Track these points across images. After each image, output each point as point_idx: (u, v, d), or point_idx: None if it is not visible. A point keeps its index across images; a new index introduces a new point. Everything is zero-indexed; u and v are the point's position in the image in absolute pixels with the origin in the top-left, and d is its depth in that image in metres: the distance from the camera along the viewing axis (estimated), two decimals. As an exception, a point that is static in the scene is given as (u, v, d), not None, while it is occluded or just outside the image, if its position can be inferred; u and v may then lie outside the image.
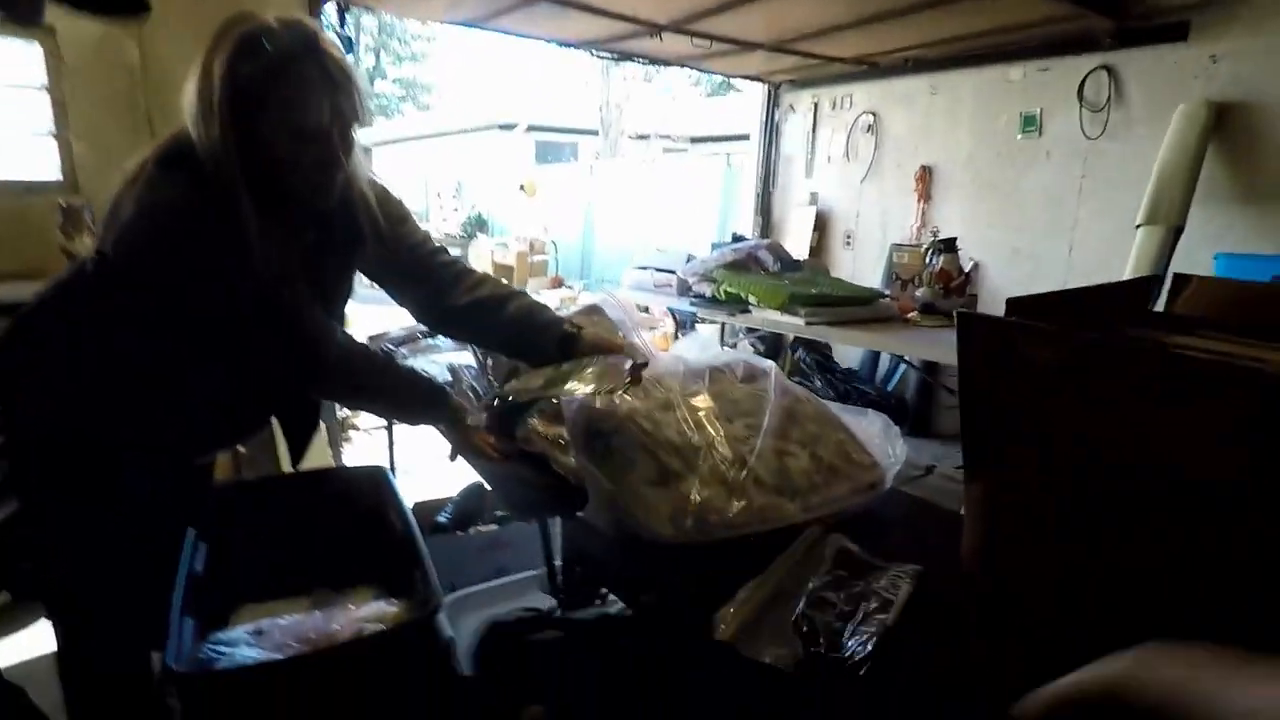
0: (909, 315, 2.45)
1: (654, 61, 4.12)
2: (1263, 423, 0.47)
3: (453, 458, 1.30)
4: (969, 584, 0.75)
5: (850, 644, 0.66)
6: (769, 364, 1.15)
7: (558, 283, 8.06)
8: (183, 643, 1.19)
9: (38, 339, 1.05)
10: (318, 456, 2.74)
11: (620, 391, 0.99)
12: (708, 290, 2.69)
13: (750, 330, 4.16)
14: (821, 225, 4.59)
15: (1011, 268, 3.59)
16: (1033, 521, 0.66)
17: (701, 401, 1.04)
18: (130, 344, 1.03)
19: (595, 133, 11.62)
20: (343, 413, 3.59)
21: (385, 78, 20.50)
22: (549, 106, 13.62)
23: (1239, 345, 0.67)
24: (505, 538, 1.97)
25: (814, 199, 4.62)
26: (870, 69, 4.10)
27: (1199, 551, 0.56)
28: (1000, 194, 3.66)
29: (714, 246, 3.30)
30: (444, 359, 1.72)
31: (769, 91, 4.75)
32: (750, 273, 2.72)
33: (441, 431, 1.30)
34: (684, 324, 3.68)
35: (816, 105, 4.54)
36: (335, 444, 3.13)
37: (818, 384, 3.87)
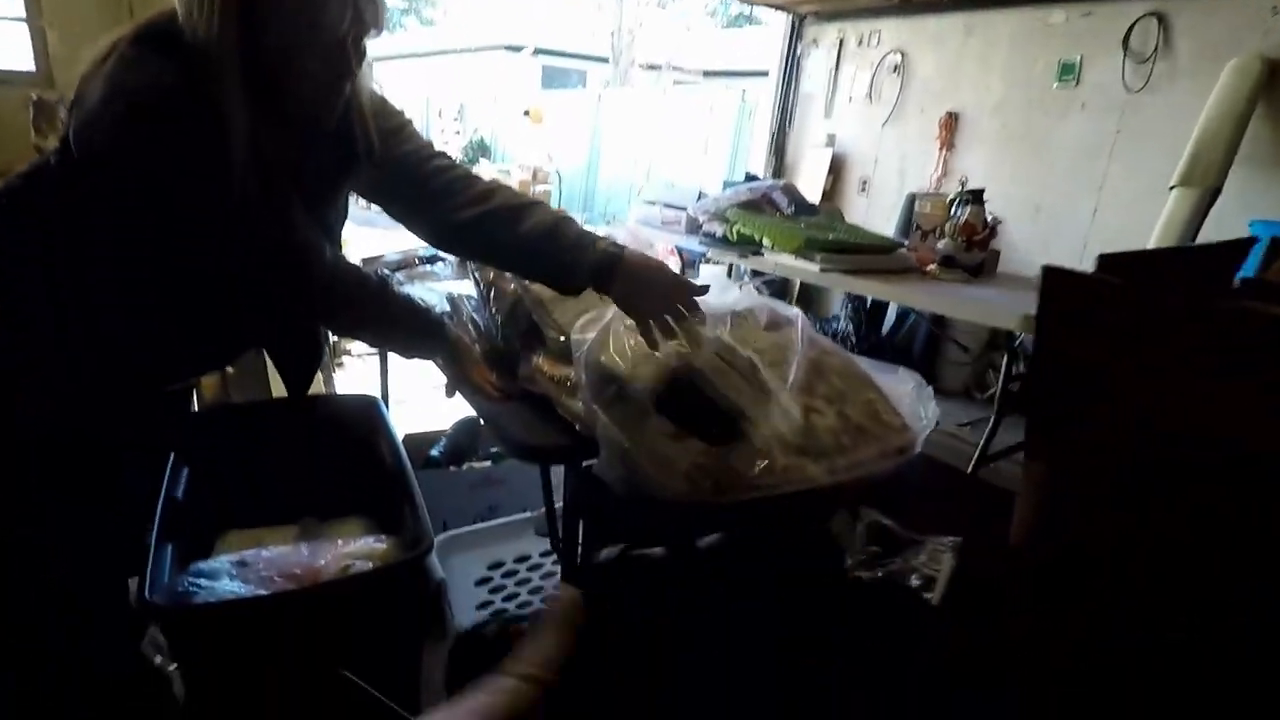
0: (928, 268, 2.35)
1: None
2: None
3: (450, 393, 1.22)
4: (1016, 558, 0.69)
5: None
6: (794, 311, 1.07)
7: (560, 215, 7.86)
8: (161, 572, 1.14)
9: None
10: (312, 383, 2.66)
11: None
12: (718, 230, 2.57)
13: (756, 274, 4.05)
14: (837, 169, 4.41)
15: (1031, 225, 3.46)
16: (1101, 492, 0.59)
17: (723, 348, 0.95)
18: (98, 247, 0.93)
19: (605, 60, 11.16)
20: (334, 338, 3.51)
21: (388, -12, 19.57)
22: (558, 29, 13.03)
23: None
24: (499, 475, 1.92)
25: (831, 141, 4.43)
26: (902, 4, 3.87)
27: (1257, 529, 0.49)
28: (1028, 146, 3.50)
29: (726, 185, 3.16)
30: (443, 287, 1.63)
31: (792, 23, 4.50)
32: (764, 214, 2.60)
33: (439, 365, 1.23)
34: (692, 263, 3.56)
35: (842, 41, 4.30)
36: (327, 370, 3.06)
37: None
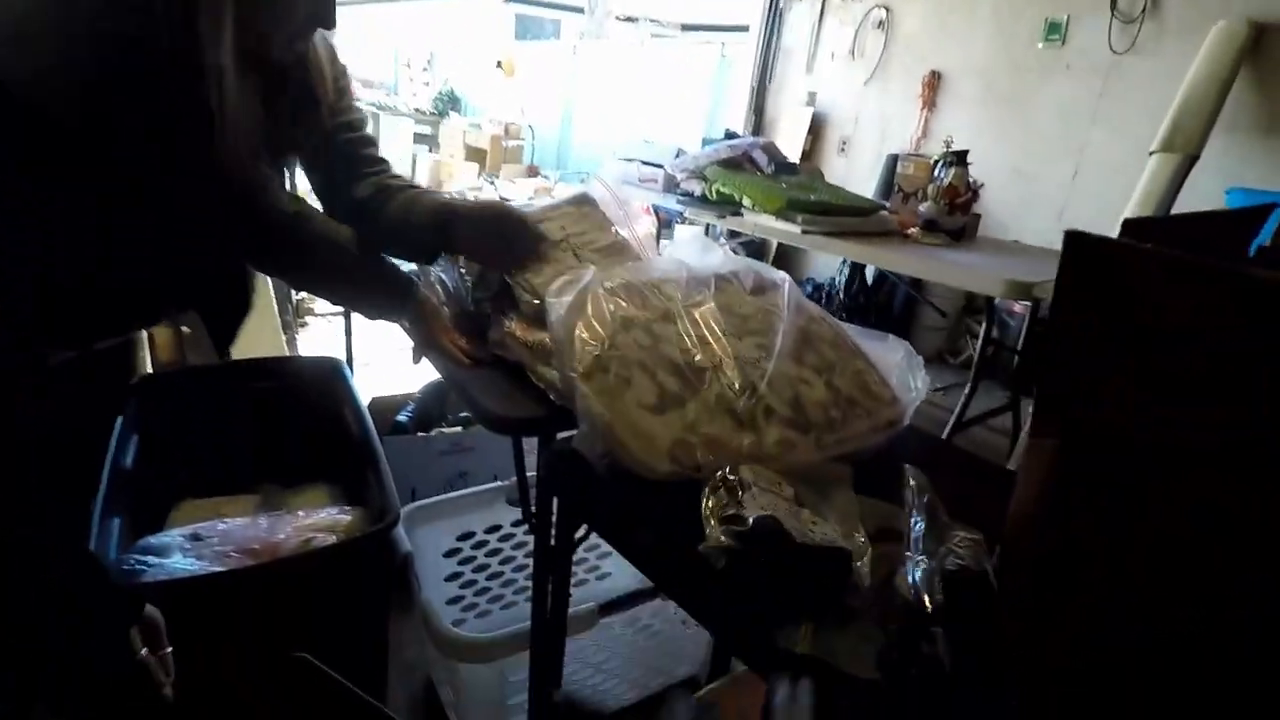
0: (909, 231, 2.31)
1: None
2: None
3: (416, 359, 1.15)
4: (1015, 547, 0.65)
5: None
6: (781, 275, 1.01)
7: (533, 172, 7.66)
8: (107, 548, 1.07)
9: None
10: (268, 343, 2.56)
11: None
12: (697, 188, 2.50)
13: (734, 235, 3.98)
14: (817, 128, 4.33)
15: (1009, 188, 3.43)
16: (1108, 476, 0.56)
17: (707, 314, 0.90)
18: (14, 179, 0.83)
19: (580, 10, 10.78)
20: (297, 295, 3.37)
21: (350, -73, 18.60)
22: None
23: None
24: (469, 441, 1.86)
25: (811, 99, 4.33)
26: (889, -45, 3.76)
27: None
28: (1010, 107, 3.45)
29: (705, 142, 3.07)
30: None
31: (775, -27, 4.36)
32: (744, 173, 2.52)
33: (405, 328, 1.15)
34: (669, 222, 3.48)
35: (826, -7, 4.17)
36: (289, 330, 2.95)
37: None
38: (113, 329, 1.03)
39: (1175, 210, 2.69)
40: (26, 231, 0.72)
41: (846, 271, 3.96)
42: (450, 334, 1.09)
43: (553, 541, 0.83)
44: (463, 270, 1.11)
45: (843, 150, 4.23)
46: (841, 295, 3.88)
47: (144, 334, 2.06)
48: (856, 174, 4.07)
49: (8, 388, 0.69)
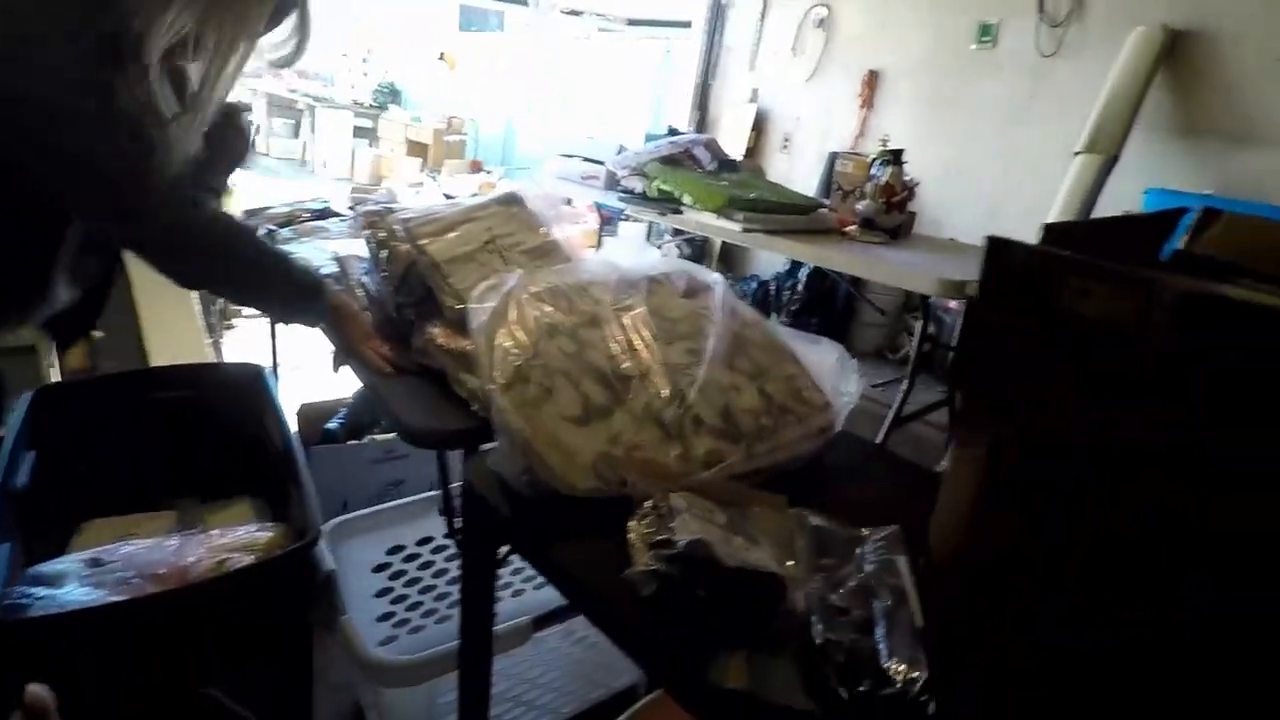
0: (848, 229, 2.33)
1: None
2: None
3: (336, 366, 1.09)
4: (940, 558, 0.65)
5: (900, 671, 0.53)
6: (715, 276, 0.99)
7: (476, 167, 7.50)
8: (-11, 578, 0.98)
9: None
10: (190, 348, 2.42)
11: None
12: (638, 185, 2.47)
13: (678, 233, 3.97)
14: (760, 125, 4.35)
15: (944, 187, 3.51)
16: (1041, 483, 0.55)
17: (637, 318, 0.87)
18: None
19: (525, 3, 10.61)
20: (220, 300, 3.21)
21: (283, -89, 17.84)
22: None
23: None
24: (403, 448, 1.79)
25: (755, 96, 4.36)
26: (828, -46, 3.79)
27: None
28: (945, 107, 3.53)
29: (648, 139, 3.04)
30: (334, 245, 1.48)
31: (718, -31, 4.36)
32: (685, 169, 2.50)
33: (325, 332, 1.09)
34: (611, 220, 3.45)
35: (768, -10, 4.20)
36: (214, 333, 2.80)
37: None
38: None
39: (1097, 209, 2.79)
40: None
41: (790, 268, 4.00)
42: (372, 340, 1.04)
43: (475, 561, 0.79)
44: (384, 274, 1.06)
45: (785, 147, 4.27)
46: (787, 292, 3.91)
47: (49, 343, 1.92)
48: (799, 171, 4.11)
49: None
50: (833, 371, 0.93)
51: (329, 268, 1.20)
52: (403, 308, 1.02)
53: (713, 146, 2.86)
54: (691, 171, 2.50)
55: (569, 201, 4.43)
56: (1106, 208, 2.80)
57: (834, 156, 3.25)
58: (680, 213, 2.30)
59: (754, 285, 4.25)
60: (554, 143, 3.82)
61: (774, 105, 4.29)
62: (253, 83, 10.29)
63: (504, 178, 7.05)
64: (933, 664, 0.53)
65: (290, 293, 0.99)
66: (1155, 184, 2.76)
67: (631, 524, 0.65)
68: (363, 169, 8.02)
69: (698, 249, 4.43)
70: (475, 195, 1.24)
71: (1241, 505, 0.43)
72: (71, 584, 1.05)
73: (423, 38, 10.18)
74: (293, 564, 1.10)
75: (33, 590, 0.97)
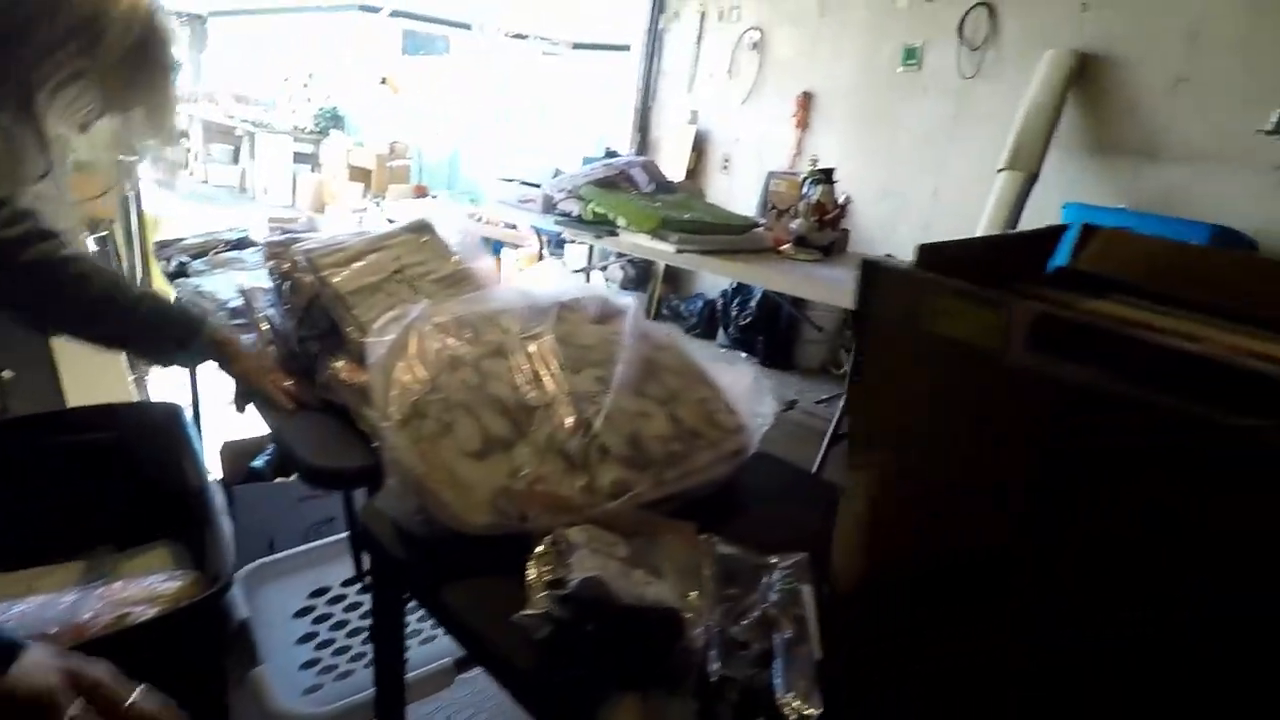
0: (783, 247, 2.36)
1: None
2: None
3: (240, 406, 1.05)
4: (839, 581, 0.64)
5: (794, 708, 0.52)
6: (627, 300, 0.98)
7: (421, 192, 7.42)
8: None
9: None
10: (110, 387, 2.31)
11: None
12: (574, 209, 2.47)
13: (622, 254, 3.98)
14: (700, 147, 4.41)
15: (879, 204, 3.61)
16: (921, 522, 0.55)
17: (544, 347, 0.85)
18: None
19: (469, 26, 10.62)
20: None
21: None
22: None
23: (1157, 314, 0.57)
24: (332, 484, 1.73)
25: (694, 118, 4.42)
26: (760, -20, 3.89)
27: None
28: (876, 127, 3.63)
29: (585, 161, 3.05)
30: (246, 277, 1.42)
31: (654, -6, 4.43)
32: (621, 192, 2.51)
33: (224, 370, 1.05)
34: (553, 243, 3.44)
35: (703, 14, 4.28)
36: (137, 370, 2.68)
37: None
38: None
39: (1022, 224, 2.90)
40: None
41: (737, 287, 4.05)
42: (274, 374, 1.00)
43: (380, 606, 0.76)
44: (288, 306, 1.02)
45: (725, 168, 4.33)
46: (735, 310, 3.95)
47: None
48: (739, 192, 4.18)
49: None
50: (748, 393, 0.93)
51: (235, 300, 1.16)
52: (305, 341, 0.98)
53: (650, 168, 2.89)
54: (626, 194, 2.51)
55: (514, 226, 4.41)
56: (1031, 221, 2.91)
57: (771, 177, 3.32)
58: (616, 234, 2.30)
59: (699, 305, 4.28)
60: (500, 167, 3.81)
61: (713, 127, 4.36)
62: (189, 108, 10.03)
63: (450, 201, 6.99)
64: (830, 698, 0.53)
65: (156, 334, 0.96)
66: (1074, 199, 2.89)
67: (530, 563, 0.63)
68: (305, 195, 7.86)
69: (642, 270, 4.44)
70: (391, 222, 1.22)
71: (1097, 522, 0.43)
72: (-54, 650, 0.97)
73: (366, 62, 10.09)
74: (200, 615, 1.04)
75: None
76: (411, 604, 0.87)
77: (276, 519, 1.72)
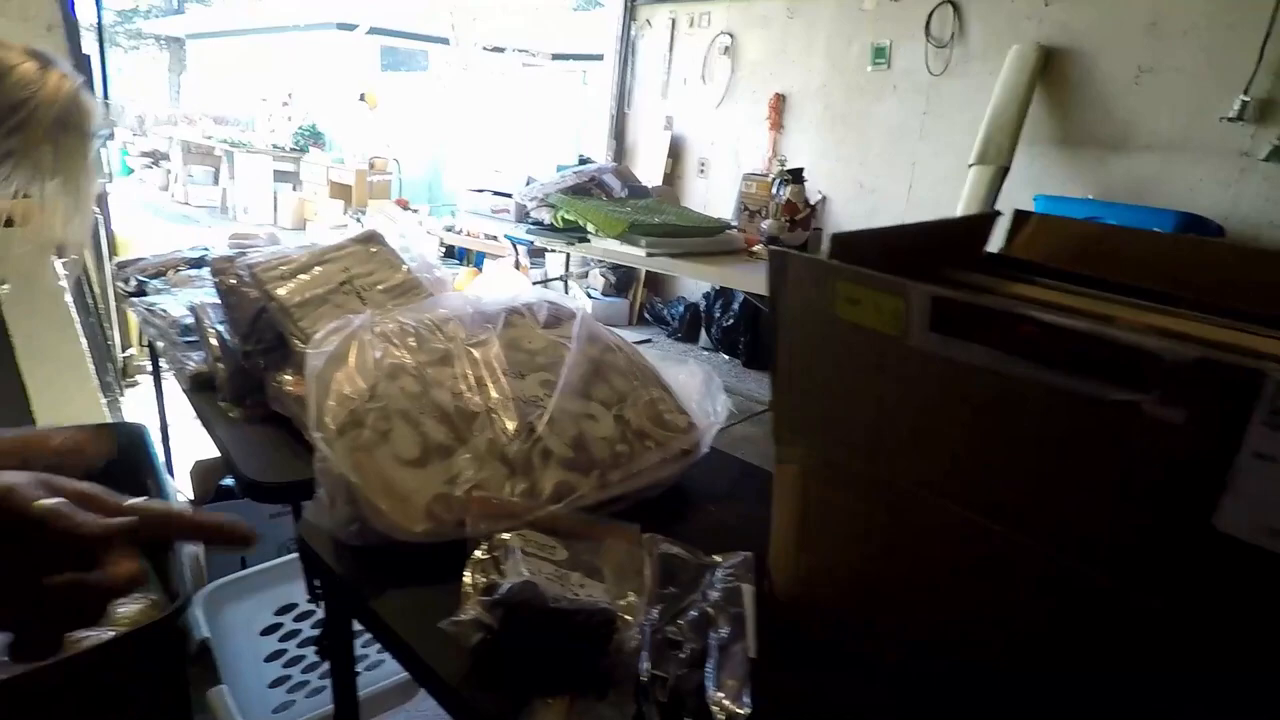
0: (754, 248, 2.37)
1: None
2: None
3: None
4: (773, 579, 0.64)
5: (723, 707, 0.51)
6: (577, 305, 0.97)
7: (403, 205, 7.40)
8: None
9: None
10: (82, 408, 2.29)
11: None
12: (546, 216, 2.46)
13: (600, 260, 3.98)
14: (676, 151, 4.43)
15: (855, 202, 3.63)
16: (843, 512, 0.55)
17: (489, 353, 0.85)
18: None
19: (446, 41, 10.62)
20: (124, 353, 3.06)
21: (198, -44, 17.53)
22: (395, 7, 12.24)
23: (1074, 296, 0.57)
24: (303, 500, 1.71)
25: (669, 123, 4.44)
26: (728, -15, 3.92)
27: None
28: (849, 126, 3.65)
29: (558, 169, 3.05)
30: (200, 295, 1.41)
31: (626, 3, 4.45)
32: (592, 198, 2.51)
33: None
34: (530, 252, 3.43)
35: (674, 22, 4.30)
36: (111, 391, 2.65)
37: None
38: None
39: (994, 216, 2.91)
40: None
41: (720, 289, 4.05)
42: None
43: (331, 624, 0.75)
44: (235, 320, 1.01)
45: (702, 172, 4.34)
46: (718, 312, 3.95)
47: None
48: (717, 195, 4.19)
49: None
50: (699, 392, 0.92)
51: (185, 317, 1.15)
52: (251, 355, 0.97)
53: (623, 174, 2.89)
54: (596, 200, 2.51)
55: (495, 237, 4.40)
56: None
57: (743, 178, 3.33)
58: (587, 240, 2.30)
59: (681, 308, 4.28)
60: (479, 179, 3.81)
61: (688, 131, 4.38)
62: (169, 130, 9.98)
63: (431, 215, 6.98)
64: (761, 696, 0.52)
65: None
66: (1045, 191, 2.91)
67: (466, 570, 0.62)
68: (286, 213, 7.84)
69: (623, 276, 4.45)
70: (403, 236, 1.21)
71: (1006, 516, 0.43)
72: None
73: (345, 80, 10.08)
74: (157, 636, 1.02)
75: None
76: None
77: (248, 538, 1.70)
